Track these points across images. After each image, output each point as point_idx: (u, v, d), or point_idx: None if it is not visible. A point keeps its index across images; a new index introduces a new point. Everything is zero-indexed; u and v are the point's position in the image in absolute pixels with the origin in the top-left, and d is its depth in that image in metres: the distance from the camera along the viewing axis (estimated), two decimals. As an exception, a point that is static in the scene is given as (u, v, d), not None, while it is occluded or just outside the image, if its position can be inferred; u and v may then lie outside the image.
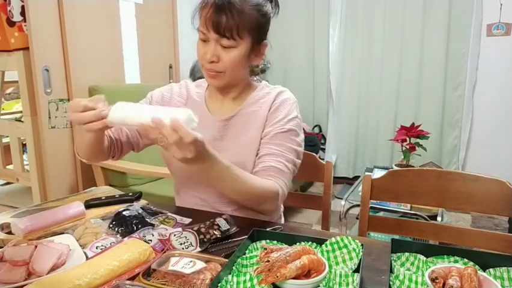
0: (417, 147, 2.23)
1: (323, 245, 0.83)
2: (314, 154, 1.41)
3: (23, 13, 1.99)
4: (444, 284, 0.67)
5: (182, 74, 3.04)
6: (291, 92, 1.14)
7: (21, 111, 2.49)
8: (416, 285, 0.72)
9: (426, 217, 2.02)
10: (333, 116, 3.89)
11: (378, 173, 2.08)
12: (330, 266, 0.76)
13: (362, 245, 0.82)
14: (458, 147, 3.50)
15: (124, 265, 0.77)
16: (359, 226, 1.29)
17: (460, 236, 1.20)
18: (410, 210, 2.08)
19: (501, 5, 3.16)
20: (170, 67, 3.00)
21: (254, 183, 0.98)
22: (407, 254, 0.82)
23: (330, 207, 1.40)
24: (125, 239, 0.88)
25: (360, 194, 1.28)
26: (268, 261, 0.71)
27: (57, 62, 2.14)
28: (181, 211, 1.09)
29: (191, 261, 0.74)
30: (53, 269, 0.77)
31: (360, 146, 3.90)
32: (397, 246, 0.82)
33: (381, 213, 2.08)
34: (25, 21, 1.99)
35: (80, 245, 0.86)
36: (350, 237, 0.83)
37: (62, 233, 0.92)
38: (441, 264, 0.77)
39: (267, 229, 0.93)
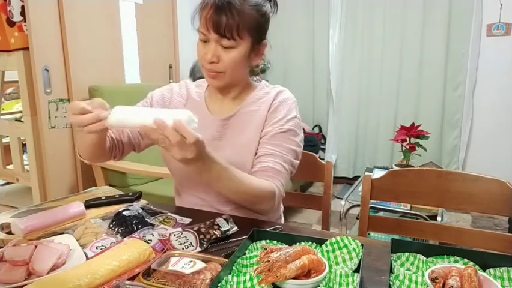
0: (417, 147, 2.23)
1: (323, 245, 0.83)
2: (314, 154, 1.41)
3: (23, 13, 2.00)
4: (444, 284, 0.67)
5: (182, 74, 3.04)
6: (291, 91, 1.14)
7: (21, 111, 2.49)
8: (416, 285, 0.72)
9: (426, 217, 2.02)
10: (333, 116, 3.89)
11: (378, 173, 2.08)
12: (330, 266, 0.76)
13: (362, 245, 0.82)
14: (458, 147, 3.50)
15: (124, 265, 0.77)
16: (359, 226, 1.29)
17: (460, 236, 1.20)
18: (410, 210, 2.08)
19: (501, 5, 3.17)
20: (170, 67, 3.00)
21: (251, 183, 0.99)
22: (407, 254, 0.82)
23: (330, 207, 1.40)
24: (125, 239, 0.88)
25: (360, 194, 1.28)
26: (268, 261, 0.71)
27: (57, 62, 2.14)
28: (181, 211, 1.09)
29: (191, 261, 0.74)
30: (53, 269, 0.77)
31: (360, 146, 3.90)
32: (397, 246, 0.82)
33: (381, 213, 2.08)
34: (25, 21, 1.99)
35: (80, 245, 0.86)
36: (350, 237, 0.83)
37: (62, 233, 0.92)
38: (441, 264, 0.77)
39: (267, 229, 0.93)
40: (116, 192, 1.19)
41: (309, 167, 1.37)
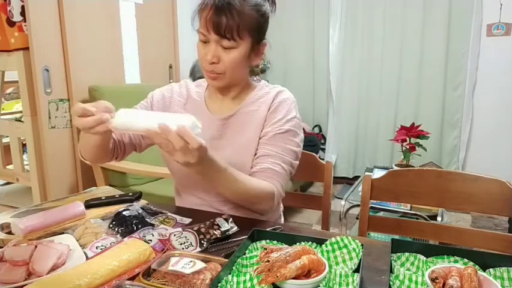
0: (417, 147, 2.23)
1: (323, 245, 0.83)
2: (314, 154, 1.41)
3: (23, 13, 2.00)
4: (444, 284, 0.67)
5: (182, 74, 3.04)
6: (291, 91, 1.14)
7: (21, 111, 2.49)
8: (416, 285, 0.72)
9: (426, 217, 2.02)
10: (333, 116, 3.89)
11: (378, 173, 2.08)
12: (330, 266, 0.76)
13: (362, 245, 0.82)
14: (458, 147, 3.50)
15: (124, 265, 0.77)
16: (359, 226, 1.29)
17: (460, 236, 1.20)
18: (410, 210, 2.08)
19: (501, 5, 3.17)
20: (170, 67, 3.00)
21: (251, 184, 1.00)
22: (407, 254, 0.82)
23: (330, 207, 1.40)
24: (125, 239, 0.88)
25: (360, 194, 1.28)
26: (268, 261, 0.71)
27: (57, 62, 2.14)
28: (181, 211, 1.09)
29: (191, 261, 0.74)
30: (53, 269, 0.77)
31: (360, 146, 3.90)
32: (397, 246, 0.82)
33: (381, 213, 2.08)
34: (25, 21, 1.99)
35: (80, 245, 0.86)
36: (350, 237, 0.83)
37: (62, 233, 0.92)
38: (441, 264, 0.77)
39: (267, 229, 0.93)
40: (116, 192, 1.19)
41: (309, 167, 1.37)
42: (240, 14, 0.96)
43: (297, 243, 0.84)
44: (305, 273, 0.72)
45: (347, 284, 0.72)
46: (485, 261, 0.78)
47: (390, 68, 3.60)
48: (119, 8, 2.50)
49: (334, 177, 1.50)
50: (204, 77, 1.10)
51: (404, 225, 1.30)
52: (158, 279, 0.73)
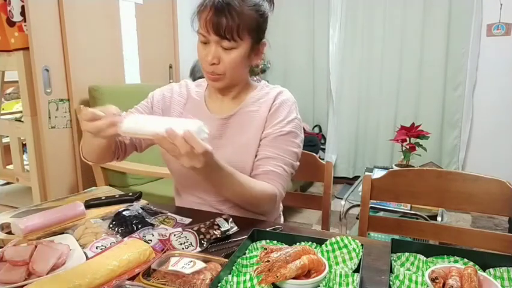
0: (417, 147, 2.23)
1: (323, 245, 0.83)
2: (314, 154, 1.41)
3: (23, 13, 2.00)
4: (444, 284, 0.67)
5: (182, 74, 3.04)
6: (291, 92, 1.14)
7: (21, 111, 2.49)
8: (416, 285, 0.72)
9: (426, 217, 2.02)
10: (333, 116, 3.89)
11: (378, 173, 2.08)
12: (330, 266, 0.76)
13: (362, 245, 0.82)
14: (458, 147, 3.50)
15: (124, 265, 0.77)
16: (359, 226, 1.29)
17: (460, 236, 1.20)
18: (410, 210, 2.08)
19: (501, 5, 3.17)
20: (170, 67, 3.00)
21: (254, 187, 1.01)
22: (407, 254, 0.82)
23: (330, 207, 1.40)
24: (125, 239, 0.88)
25: (360, 194, 1.28)
26: (268, 261, 0.71)
27: (57, 62, 2.14)
28: (181, 211, 1.09)
29: (191, 261, 0.74)
30: (53, 269, 0.77)
31: (360, 146, 3.90)
32: (397, 246, 0.82)
33: (381, 213, 2.08)
34: (25, 21, 1.99)
35: (80, 245, 0.86)
36: (350, 237, 0.83)
37: (62, 233, 0.92)
38: (441, 264, 0.77)
39: (267, 229, 0.93)
40: (116, 192, 1.19)
41: (309, 167, 1.37)
42: (240, 15, 0.96)
43: (297, 243, 0.84)
44: (305, 273, 0.72)
45: (347, 284, 0.72)
46: (485, 261, 0.78)
47: (390, 68, 3.60)
48: (119, 8, 2.49)
49: (334, 177, 1.50)
50: (204, 77, 1.10)
51: (404, 225, 1.30)
52: (158, 279, 0.73)
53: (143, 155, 1.25)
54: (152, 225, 0.96)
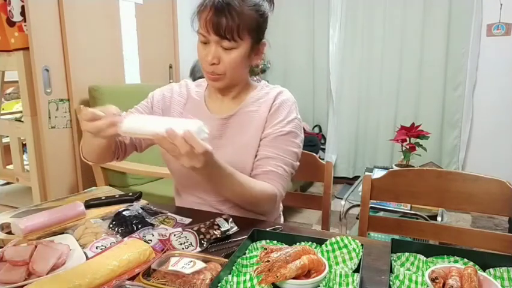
0: (417, 147, 2.23)
1: (323, 245, 0.83)
2: (314, 154, 1.41)
3: (23, 13, 2.00)
4: (444, 284, 0.67)
5: (182, 74, 3.04)
6: (291, 91, 1.14)
7: (21, 111, 2.49)
8: (416, 285, 0.72)
9: (426, 217, 2.02)
10: (333, 116, 3.89)
11: (378, 173, 2.08)
12: (330, 266, 0.76)
13: (362, 245, 0.82)
14: (458, 147, 3.50)
15: (124, 265, 0.77)
16: (359, 226, 1.29)
17: (460, 236, 1.20)
18: (410, 210, 2.08)
19: (501, 5, 3.17)
20: (170, 67, 3.00)
21: (254, 187, 1.01)
22: (407, 254, 0.82)
23: (330, 207, 1.40)
24: (125, 239, 0.88)
25: (360, 194, 1.28)
26: (268, 261, 0.71)
27: (57, 62, 2.14)
28: (181, 211, 1.09)
29: (191, 261, 0.74)
30: (53, 269, 0.77)
31: (360, 146, 3.90)
32: (397, 246, 0.82)
33: (381, 213, 2.08)
34: (25, 21, 1.99)
35: (80, 245, 0.86)
36: (350, 237, 0.83)
37: (62, 233, 0.92)
38: (441, 264, 0.77)
39: (267, 229, 0.93)
40: (116, 192, 1.19)
41: (309, 167, 1.37)
42: (240, 15, 0.96)
43: (297, 243, 0.84)
44: (305, 273, 0.72)
45: (347, 284, 0.72)
46: (485, 261, 0.78)
47: (390, 68, 3.60)
48: (119, 8, 2.49)
49: (334, 177, 1.50)
50: (204, 77, 1.10)
51: (404, 225, 1.30)
52: (158, 279, 0.73)
53: (143, 155, 1.25)
54: (152, 225, 0.96)
